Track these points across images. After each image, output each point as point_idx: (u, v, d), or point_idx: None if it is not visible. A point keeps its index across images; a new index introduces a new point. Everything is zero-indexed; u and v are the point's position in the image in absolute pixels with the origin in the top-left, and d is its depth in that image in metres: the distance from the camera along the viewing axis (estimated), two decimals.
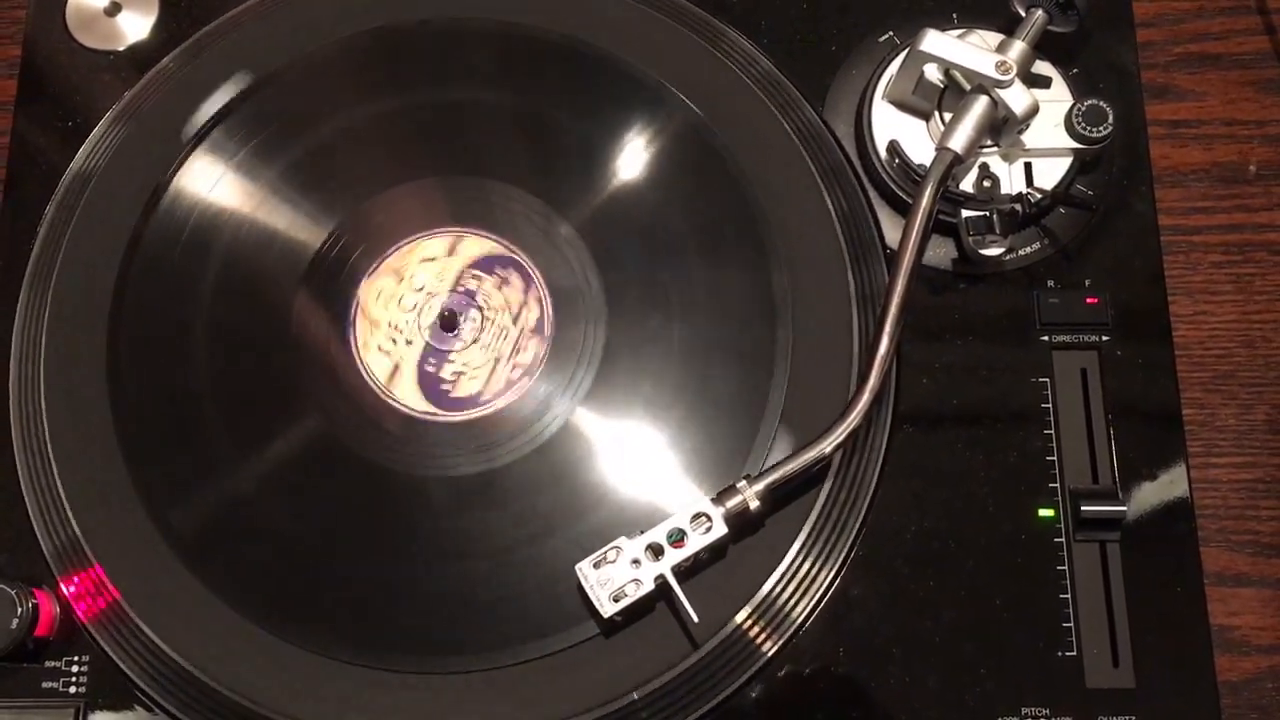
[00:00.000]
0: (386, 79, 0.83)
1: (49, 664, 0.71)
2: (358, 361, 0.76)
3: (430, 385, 0.76)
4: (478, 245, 0.79)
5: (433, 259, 0.78)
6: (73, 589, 0.72)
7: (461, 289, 0.78)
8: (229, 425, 0.75)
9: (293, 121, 0.81)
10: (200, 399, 0.75)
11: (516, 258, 0.78)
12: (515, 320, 0.77)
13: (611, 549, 0.68)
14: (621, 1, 0.84)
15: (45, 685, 0.71)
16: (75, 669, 0.71)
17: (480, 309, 0.77)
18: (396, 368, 0.76)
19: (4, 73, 0.87)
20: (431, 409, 0.75)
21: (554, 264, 0.78)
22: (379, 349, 0.76)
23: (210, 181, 0.80)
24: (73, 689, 0.71)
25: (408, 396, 0.75)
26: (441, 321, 0.77)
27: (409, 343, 0.77)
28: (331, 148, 0.81)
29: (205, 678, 0.69)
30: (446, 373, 0.76)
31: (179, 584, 0.71)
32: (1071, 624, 0.71)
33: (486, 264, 0.78)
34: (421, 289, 0.78)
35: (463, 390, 0.76)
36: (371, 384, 0.76)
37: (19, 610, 0.69)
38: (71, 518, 0.72)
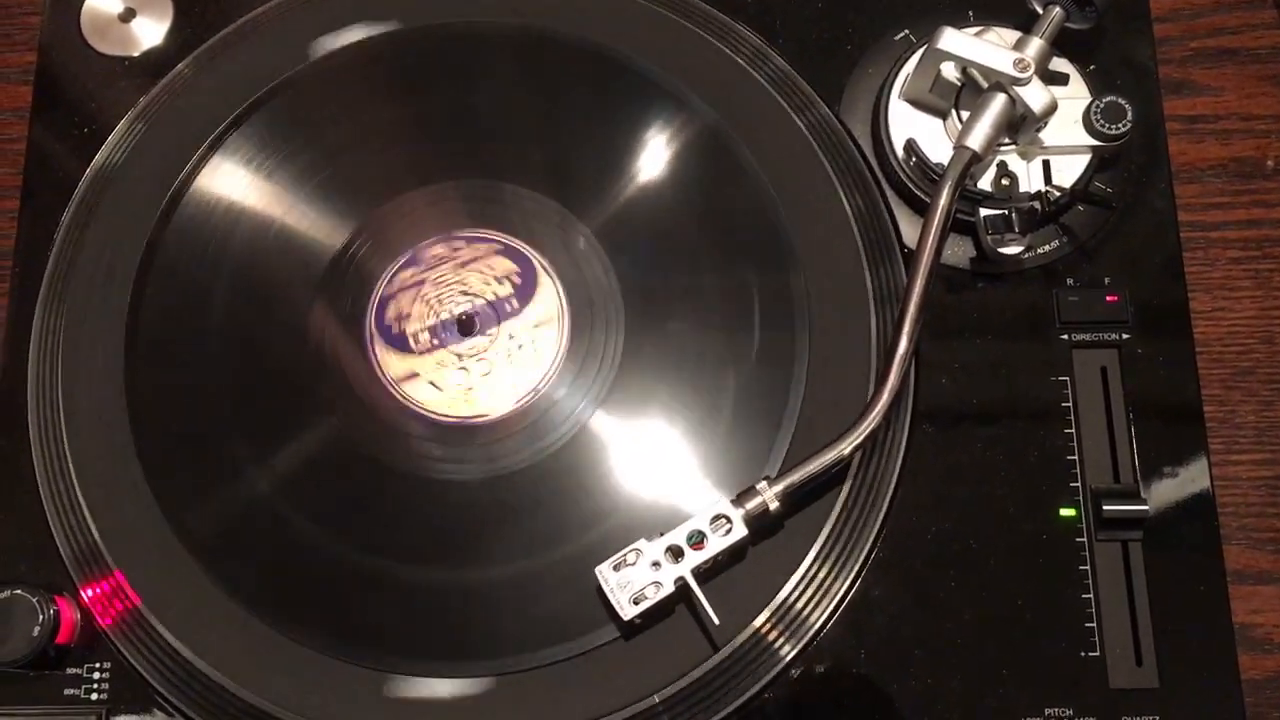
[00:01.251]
0: (403, 83, 0.83)
1: (70, 671, 0.71)
2: (374, 365, 0.76)
3: (455, 386, 0.76)
4: (483, 246, 0.79)
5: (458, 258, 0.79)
6: (93, 596, 0.72)
7: (492, 299, 0.78)
8: (246, 430, 0.75)
9: (309, 126, 0.82)
10: (217, 404, 0.75)
11: (526, 253, 0.78)
12: (536, 327, 0.77)
13: (631, 551, 0.68)
14: (637, 3, 0.84)
15: (67, 692, 0.71)
16: (96, 676, 0.71)
17: (495, 311, 0.77)
18: (413, 373, 0.76)
19: (19, 79, 0.87)
20: (449, 412, 0.75)
21: (572, 266, 0.78)
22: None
23: (226, 186, 0.80)
24: (94, 696, 0.71)
25: (438, 406, 0.76)
26: (460, 324, 0.77)
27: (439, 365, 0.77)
28: (348, 152, 0.81)
29: (225, 682, 0.69)
30: (475, 373, 0.76)
31: (198, 589, 0.71)
32: (1094, 624, 0.71)
33: (507, 272, 0.79)
34: (439, 300, 0.78)
35: (490, 389, 0.76)
36: (389, 387, 0.76)
37: (40, 617, 0.69)
38: (91, 525, 0.73)
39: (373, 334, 0.77)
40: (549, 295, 0.78)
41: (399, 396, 0.76)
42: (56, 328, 0.77)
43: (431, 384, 0.76)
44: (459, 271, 0.78)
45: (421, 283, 0.78)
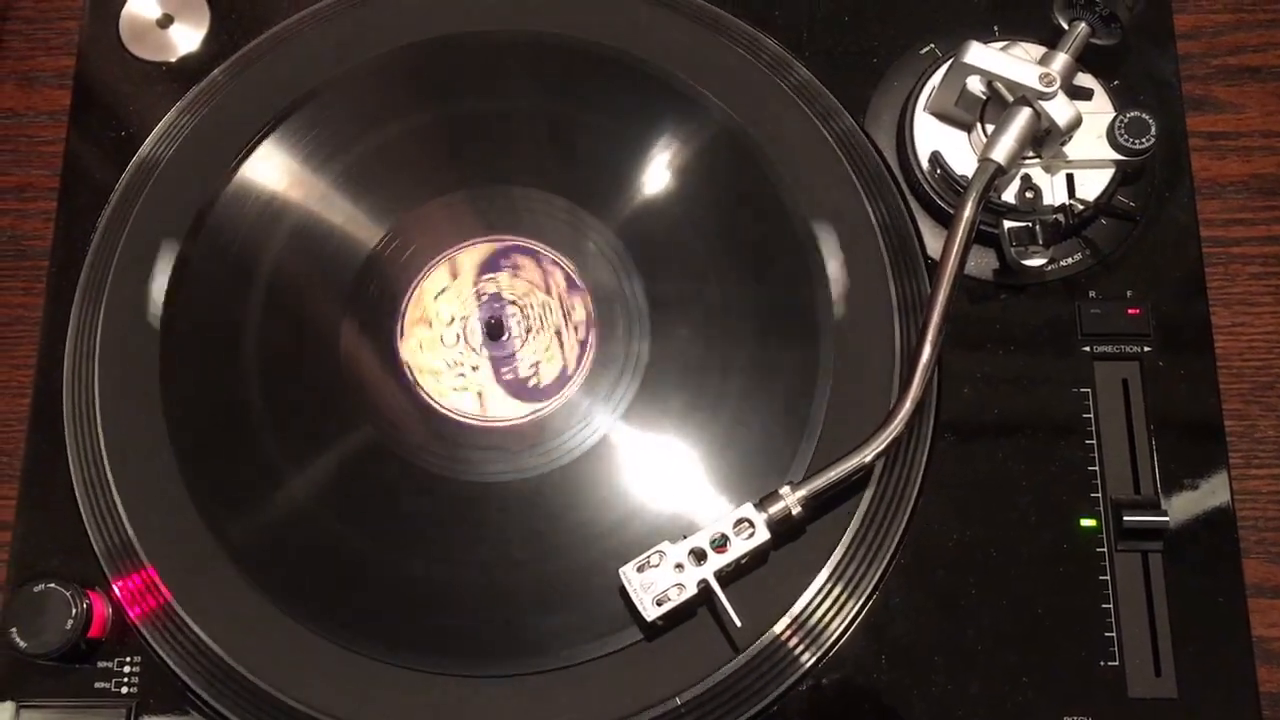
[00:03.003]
0: (432, 90, 0.84)
1: (101, 664, 0.72)
2: (405, 368, 0.77)
3: (519, 389, 0.77)
4: (475, 254, 0.80)
5: (444, 290, 0.79)
6: (125, 590, 0.73)
7: (485, 296, 0.79)
8: (280, 429, 0.76)
9: (340, 133, 0.82)
10: (251, 402, 0.76)
11: (515, 243, 0.79)
12: (548, 291, 0.78)
13: (655, 553, 0.68)
14: (665, 14, 0.85)
15: (98, 685, 0.72)
16: (127, 669, 0.72)
17: (513, 303, 0.78)
18: (481, 394, 0.77)
19: (56, 83, 0.89)
20: (496, 415, 0.76)
21: (596, 272, 0.79)
22: (454, 390, 0.77)
23: (260, 193, 0.81)
24: (124, 689, 0.72)
25: (508, 411, 0.76)
26: (488, 331, 0.78)
27: (475, 368, 0.78)
28: (379, 158, 0.82)
29: (255, 678, 0.70)
30: (524, 369, 0.77)
31: (229, 585, 0.72)
32: (1114, 633, 0.71)
33: (491, 264, 0.79)
34: (452, 320, 0.79)
35: (548, 374, 0.77)
36: (419, 390, 0.77)
37: (73, 611, 0.70)
38: (124, 520, 0.73)
39: (412, 373, 0.78)
40: (556, 272, 0.79)
41: (429, 399, 0.77)
42: (93, 327, 0.78)
43: (484, 394, 0.77)
44: (465, 284, 0.79)
45: (433, 323, 0.79)
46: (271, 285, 0.79)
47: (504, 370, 0.77)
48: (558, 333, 0.78)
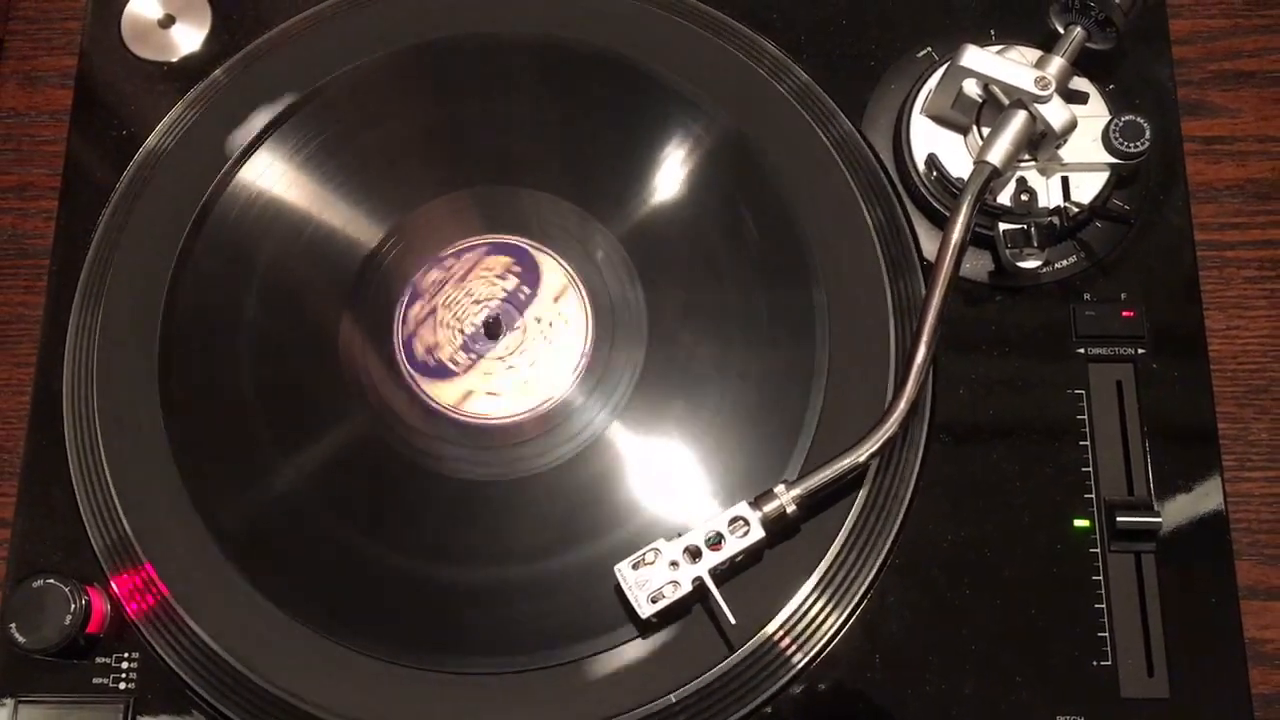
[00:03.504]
0: (433, 91, 0.85)
1: (99, 660, 0.73)
2: (404, 368, 0.78)
3: (518, 388, 0.77)
4: (474, 255, 0.80)
5: (443, 289, 0.80)
6: (123, 587, 0.73)
7: (484, 296, 0.79)
8: (278, 426, 0.76)
9: (340, 134, 0.83)
10: (250, 400, 0.77)
11: (514, 244, 0.80)
12: (547, 291, 0.79)
13: (650, 551, 0.69)
14: (662, 16, 0.85)
15: (96, 681, 0.72)
16: (125, 665, 0.73)
17: (512, 303, 0.79)
18: (480, 394, 0.77)
19: (58, 83, 0.89)
20: (517, 410, 0.77)
21: (595, 273, 0.79)
22: (454, 389, 0.77)
23: (258, 191, 0.81)
24: (122, 685, 0.72)
25: (508, 409, 0.77)
26: (487, 331, 0.78)
27: (474, 368, 0.78)
28: (379, 159, 0.83)
29: (252, 674, 0.70)
30: (523, 369, 0.78)
31: (227, 582, 0.72)
32: (1107, 634, 0.72)
33: (491, 265, 0.80)
34: (451, 320, 0.79)
35: (547, 374, 0.77)
36: (419, 390, 0.77)
37: (72, 607, 0.70)
38: (122, 517, 0.74)
39: (412, 375, 0.78)
40: (552, 268, 0.79)
41: (462, 418, 0.77)
42: (92, 325, 0.78)
43: (489, 394, 0.77)
44: (461, 285, 0.80)
45: (434, 311, 0.79)
46: (271, 285, 0.79)
47: (503, 369, 0.78)
48: (557, 332, 0.78)
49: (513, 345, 0.78)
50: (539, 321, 0.78)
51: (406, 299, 0.79)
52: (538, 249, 0.79)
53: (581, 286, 0.79)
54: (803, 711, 0.71)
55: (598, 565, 0.71)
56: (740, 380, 0.76)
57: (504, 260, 0.80)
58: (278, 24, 0.87)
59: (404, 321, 0.79)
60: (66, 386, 0.78)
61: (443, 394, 0.77)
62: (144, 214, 0.81)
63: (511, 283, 0.79)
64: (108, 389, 0.77)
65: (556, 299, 0.78)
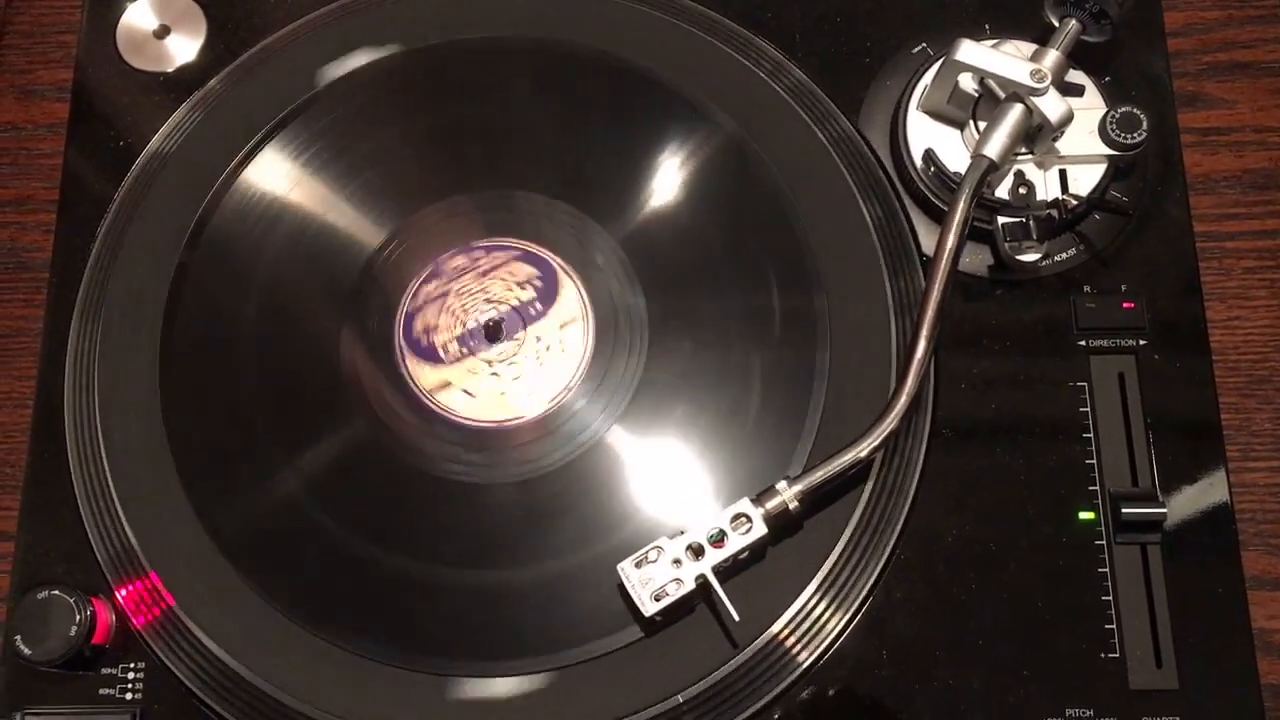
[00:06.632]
0: (434, 98, 0.85)
1: (105, 671, 0.72)
2: (405, 372, 0.78)
3: (518, 389, 0.77)
4: (474, 257, 0.80)
5: (444, 293, 0.80)
6: (128, 597, 0.73)
7: (485, 299, 0.79)
8: (281, 434, 0.76)
9: (336, 141, 0.83)
10: (250, 410, 0.77)
11: (513, 246, 0.80)
12: (547, 292, 0.78)
13: (653, 549, 0.69)
14: (658, 18, 0.85)
15: (102, 692, 0.72)
16: (131, 676, 0.72)
17: (512, 305, 0.79)
18: (481, 396, 0.77)
19: (54, 96, 0.89)
20: (484, 417, 0.77)
21: (595, 275, 0.79)
22: (455, 391, 0.77)
23: (259, 199, 0.82)
24: (129, 695, 0.72)
25: (509, 411, 0.77)
26: (488, 334, 0.78)
27: (475, 371, 0.78)
28: (376, 165, 0.83)
29: (259, 682, 0.70)
30: (524, 370, 0.78)
31: (232, 591, 0.72)
32: (1114, 625, 0.72)
33: (491, 267, 0.80)
34: (452, 323, 0.79)
35: (547, 374, 0.77)
36: (421, 394, 0.77)
37: (77, 618, 0.70)
38: (126, 527, 0.74)
39: (403, 348, 0.78)
40: (571, 295, 0.79)
41: (433, 406, 0.77)
42: (93, 337, 0.78)
43: (465, 391, 0.77)
44: (481, 280, 0.80)
45: (446, 294, 0.79)
46: (271, 294, 0.79)
47: (487, 373, 0.78)
48: (552, 357, 0.78)
49: (506, 353, 0.78)
50: (539, 341, 0.78)
51: (425, 275, 0.79)
52: (566, 271, 0.79)
53: (584, 290, 0.79)
54: (811, 709, 0.71)
55: (601, 566, 0.71)
56: (741, 378, 0.76)
57: (529, 270, 0.80)
58: (272, 32, 0.87)
59: (414, 296, 0.79)
60: (68, 398, 0.78)
61: (424, 377, 0.77)
62: (142, 224, 0.81)
63: (529, 294, 0.79)
64: (109, 400, 0.77)
65: (563, 325, 0.78)
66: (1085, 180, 0.78)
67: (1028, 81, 0.74)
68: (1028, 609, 0.72)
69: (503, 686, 0.70)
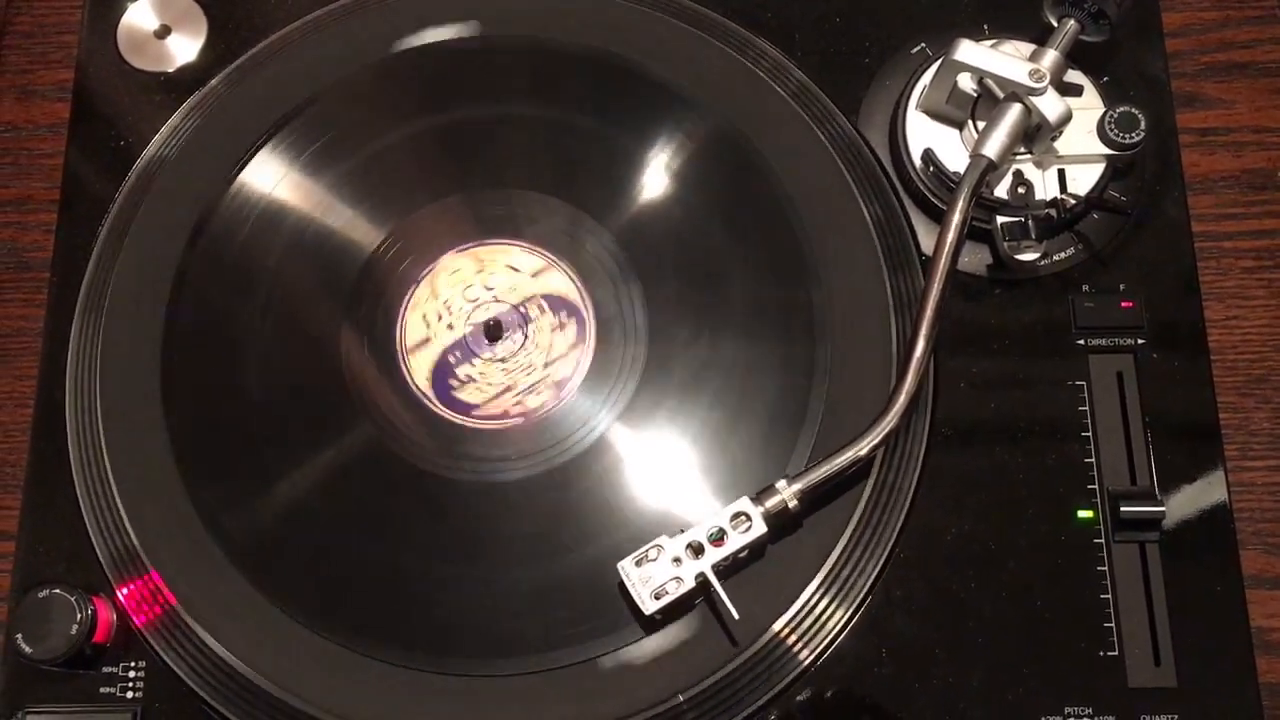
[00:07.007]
0: (433, 96, 0.85)
1: (106, 670, 0.72)
2: (405, 371, 0.78)
3: (441, 374, 0.78)
4: (559, 282, 0.80)
5: (517, 270, 0.80)
6: (129, 596, 0.73)
7: (522, 310, 0.79)
8: (282, 433, 0.76)
9: (337, 140, 0.83)
10: (253, 408, 0.77)
11: (582, 311, 0.79)
12: (546, 365, 0.78)
13: (653, 547, 0.69)
14: (659, 18, 0.85)
15: (103, 691, 0.72)
16: (132, 674, 0.72)
17: (526, 336, 0.79)
18: (426, 341, 0.78)
19: (55, 96, 0.89)
20: (492, 414, 0.77)
21: (592, 271, 0.80)
22: (424, 317, 0.78)
23: (259, 198, 0.82)
24: (129, 694, 0.72)
25: (419, 372, 0.78)
26: (487, 333, 0.79)
27: (449, 327, 0.79)
28: (376, 165, 0.83)
29: (260, 681, 0.70)
30: (461, 372, 0.78)
31: (233, 589, 0.72)
32: (1113, 624, 0.72)
33: (555, 303, 0.80)
34: (491, 289, 0.79)
35: (464, 395, 0.77)
36: (420, 393, 0.77)
37: (78, 617, 0.70)
38: (127, 526, 0.74)
39: (403, 348, 0.78)
40: (571, 295, 0.79)
41: (432, 405, 0.77)
42: (94, 336, 0.78)
43: (431, 362, 0.78)
44: (480, 279, 0.80)
45: (445, 294, 0.80)
46: (271, 292, 0.80)
47: (503, 371, 0.78)
48: (556, 333, 0.78)
49: (499, 354, 0.78)
50: (538, 340, 0.78)
51: (425, 275, 0.80)
52: (565, 270, 0.79)
53: (584, 290, 0.79)
54: (811, 708, 0.71)
55: (601, 564, 0.71)
56: (741, 378, 0.76)
57: (529, 269, 0.80)
58: (273, 32, 0.87)
59: (414, 296, 0.80)
60: (69, 398, 0.78)
61: (424, 376, 0.78)
62: (143, 224, 0.81)
63: (528, 294, 0.79)
64: (110, 399, 0.77)
65: (563, 325, 0.78)
66: (1084, 180, 0.78)
67: (1026, 81, 0.74)
68: (1027, 607, 0.72)
69: (503, 685, 0.70)
